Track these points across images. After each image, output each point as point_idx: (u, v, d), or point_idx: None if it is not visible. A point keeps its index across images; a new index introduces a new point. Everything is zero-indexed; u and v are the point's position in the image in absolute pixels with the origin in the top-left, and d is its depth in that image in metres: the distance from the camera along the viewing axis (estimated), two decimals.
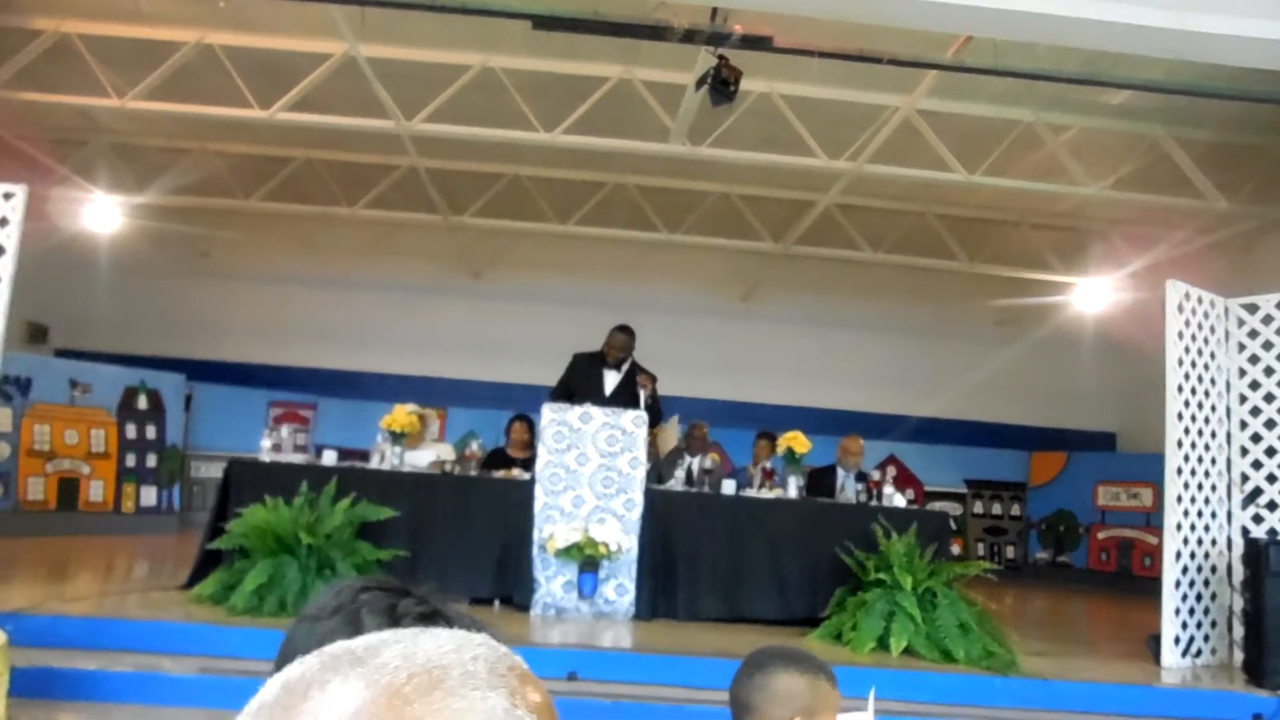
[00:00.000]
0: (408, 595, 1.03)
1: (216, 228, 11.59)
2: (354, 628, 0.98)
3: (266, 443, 6.67)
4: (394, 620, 0.98)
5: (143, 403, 10.42)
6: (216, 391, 11.52)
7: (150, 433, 10.45)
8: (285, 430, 7.24)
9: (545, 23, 5.32)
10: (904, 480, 11.30)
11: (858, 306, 12.62)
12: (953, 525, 12.39)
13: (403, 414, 6.71)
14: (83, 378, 9.92)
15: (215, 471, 10.18)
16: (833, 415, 11.50)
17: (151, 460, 10.42)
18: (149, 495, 10.36)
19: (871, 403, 12.39)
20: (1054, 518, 12.60)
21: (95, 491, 9.84)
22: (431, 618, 0.99)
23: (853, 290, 12.47)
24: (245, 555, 5.64)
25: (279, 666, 1.04)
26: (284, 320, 12.37)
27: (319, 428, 11.89)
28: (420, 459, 7.02)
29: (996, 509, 13.04)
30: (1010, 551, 12.92)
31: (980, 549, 12.73)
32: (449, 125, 8.43)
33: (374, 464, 6.79)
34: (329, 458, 6.59)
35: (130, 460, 10.20)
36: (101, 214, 10.80)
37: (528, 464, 6.97)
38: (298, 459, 6.85)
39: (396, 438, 6.72)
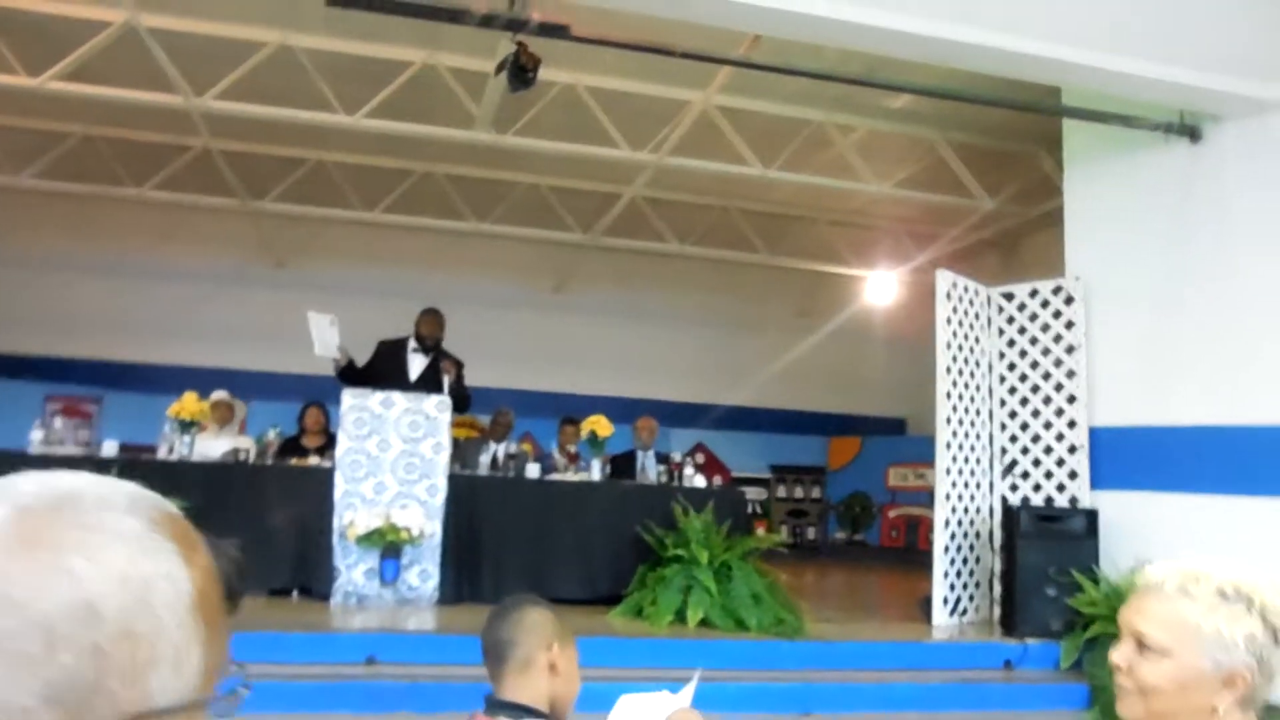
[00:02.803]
0: None
1: None
2: None
3: (36, 434, 6.23)
4: None
5: None
6: None
7: None
8: (60, 423, 6.77)
9: (340, 0, 5.21)
10: (712, 467, 11.73)
11: (666, 298, 12.98)
12: (758, 509, 13.08)
13: (191, 402, 6.42)
14: None
15: None
16: (642, 404, 11.72)
17: None
18: None
19: (680, 392, 12.77)
20: (850, 499, 13.38)
21: None
22: None
23: (661, 282, 12.82)
24: None
25: None
26: (66, 309, 11.46)
27: (105, 422, 11.09)
28: (214, 449, 6.74)
29: (799, 492, 13.73)
30: (811, 532, 13.62)
31: (784, 531, 13.35)
32: (242, 104, 8.08)
33: (161, 455, 6.46)
34: (108, 448, 6.23)
35: None
36: None
37: (322, 452, 6.81)
38: (76, 452, 6.42)
39: (185, 426, 6.42)
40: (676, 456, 7.48)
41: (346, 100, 8.23)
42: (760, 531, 10.75)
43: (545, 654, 2.07)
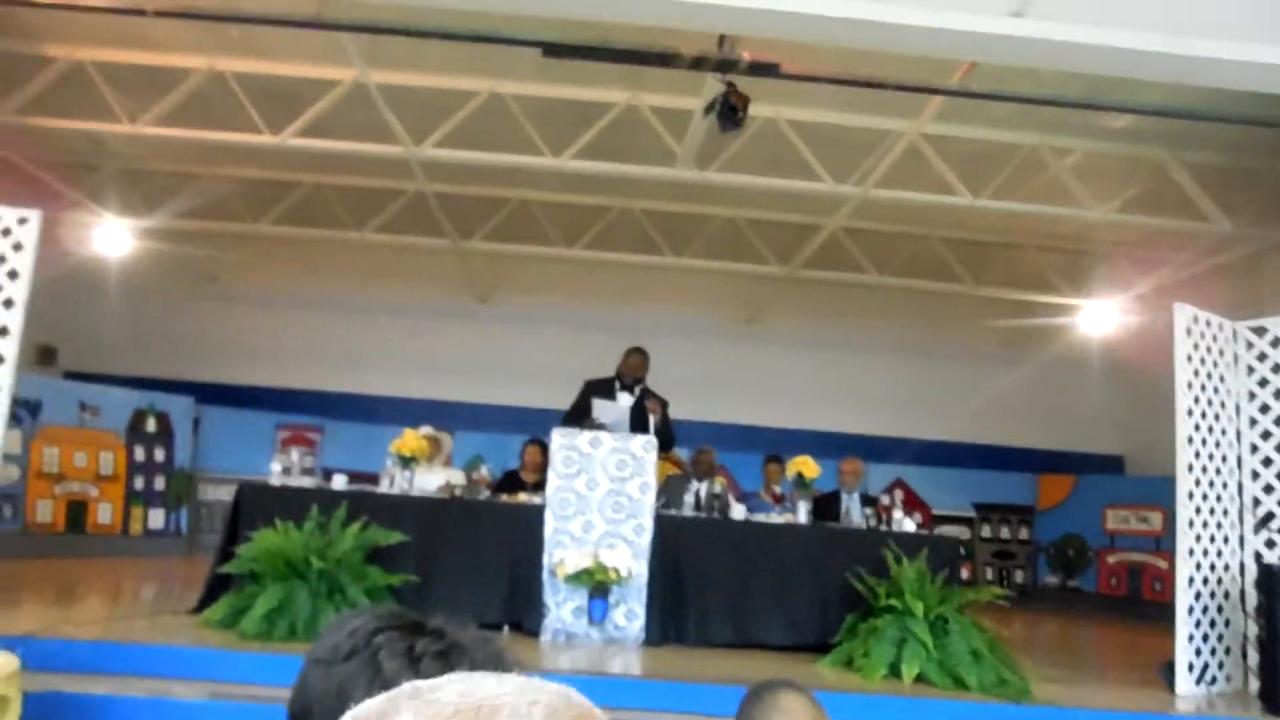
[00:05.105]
0: (423, 632, 1.02)
1: (224, 251, 11.64)
2: (374, 670, 0.98)
3: (276, 466, 6.68)
4: (412, 661, 0.98)
5: (151, 425, 10.45)
6: (224, 414, 11.53)
7: (159, 455, 10.47)
8: (295, 453, 7.25)
9: (555, 50, 5.37)
10: (911, 504, 11.26)
11: (863, 329, 12.63)
12: (961, 550, 12.47)
13: (412, 438, 6.72)
14: (91, 400, 9.95)
15: (223, 494, 10.21)
16: (839, 438, 11.46)
17: (159, 483, 10.43)
18: (157, 518, 10.37)
19: (878, 425, 12.36)
20: (1063, 541, 12.53)
21: (103, 514, 9.84)
22: (448, 653, 0.99)
23: (858, 313, 12.49)
24: (255, 579, 5.63)
25: (295, 711, 1.04)
26: (291, 343, 12.41)
27: (325, 450, 11.90)
28: (429, 483, 7.02)
29: (1005, 533, 12.98)
30: (1019, 576, 12.85)
31: (989, 573, 12.67)
32: (457, 150, 8.48)
33: (383, 488, 6.78)
34: (339, 481, 6.59)
35: (138, 483, 10.21)
36: (111, 237, 10.88)
37: (540, 486, 6.96)
38: (306, 482, 6.85)
39: (406, 462, 6.72)
40: (884, 499, 7.21)
41: (551, 142, 8.49)
42: (964, 574, 10.18)
43: None
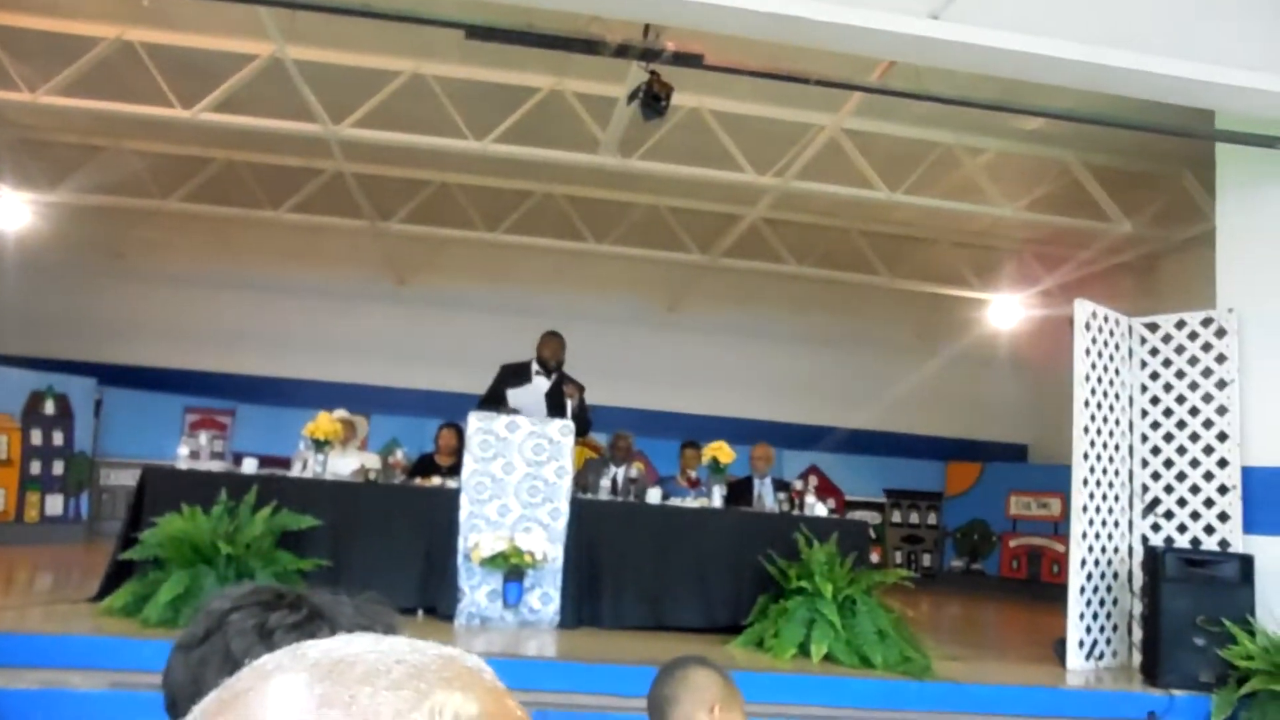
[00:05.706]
0: (279, 605, 1.00)
1: (132, 228, 11.25)
2: (225, 651, 0.96)
3: (184, 450, 6.52)
4: (264, 636, 0.95)
5: (50, 407, 10.04)
6: (129, 396, 11.15)
7: (57, 439, 10.07)
8: (204, 437, 7.07)
9: (478, 33, 5.32)
10: (825, 490, 11.53)
11: (782, 319, 12.85)
12: (872, 534, 12.79)
13: (326, 421, 6.62)
14: None
15: (126, 479, 9.89)
16: (757, 425, 11.64)
17: (58, 468, 10.04)
18: (55, 504, 9.98)
19: (795, 413, 12.61)
20: (968, 526, 12.97)
21: None
22: (306, 623, 0.97)
23: (778, 303, 12.70)
24: (159, 566, 5.49)
25: (165, 703, 1.01)
26: (202, 324, 12.06)
27: (237, 434, 11.61)
28: (344, 467, 6.93)
29: (914, 518, 13.37)
30: (927, 559, 13.25)
31: (898, 557, 13.04)
32: (378, 131, 8.35)
33: (295, 472, 6.68)
34: (249, 465, 6.46)
35: (35, 467, 9.80)
36: (8, 211, 10.41)
37: (455, 470, 6.93)
38: (216, 466, 6.70)
39: (319, 445, 6.62)
40: (798, 484, 7.37)
41: (474, 125, 8.41)
42: (874, 557, 10.46)
43: (706, 715, 2.04)
